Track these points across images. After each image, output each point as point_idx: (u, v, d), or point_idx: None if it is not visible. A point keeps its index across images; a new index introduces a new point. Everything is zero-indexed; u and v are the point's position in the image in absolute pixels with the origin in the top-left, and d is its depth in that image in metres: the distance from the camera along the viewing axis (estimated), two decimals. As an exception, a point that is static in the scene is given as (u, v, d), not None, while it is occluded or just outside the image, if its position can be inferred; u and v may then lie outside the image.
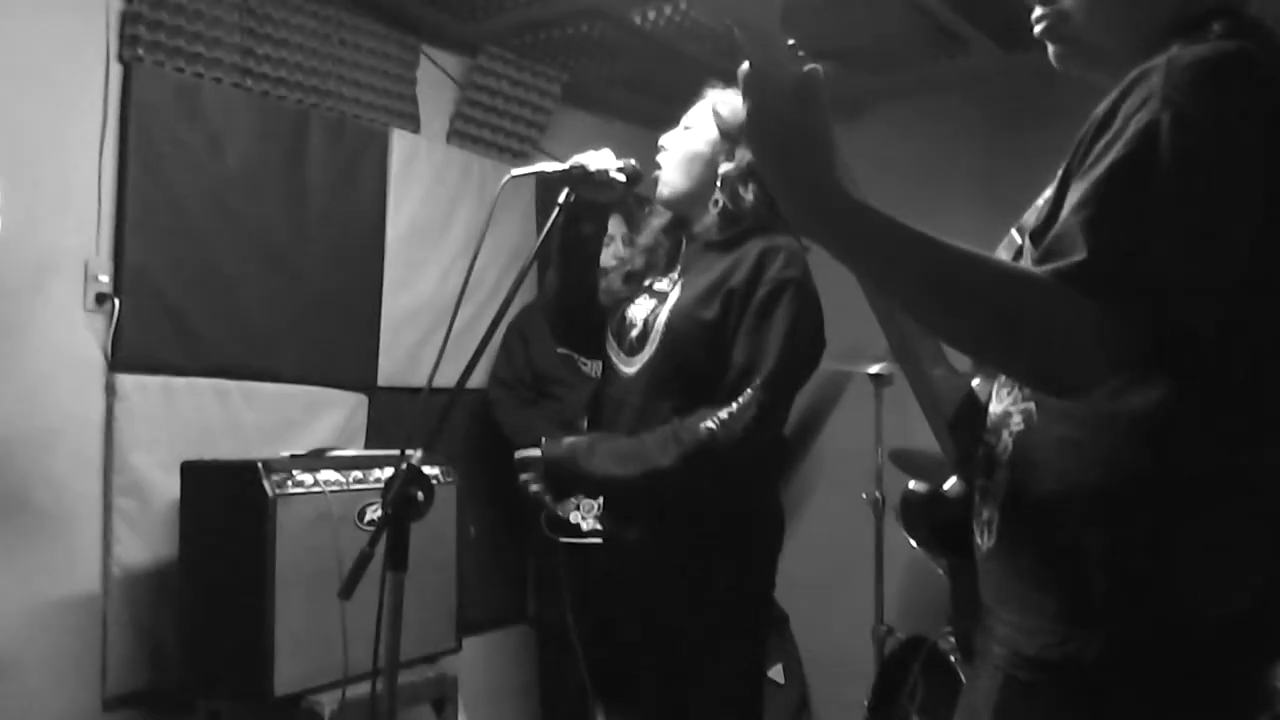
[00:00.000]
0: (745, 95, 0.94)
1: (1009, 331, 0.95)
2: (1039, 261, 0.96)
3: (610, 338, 2.22)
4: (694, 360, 2.04)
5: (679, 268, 2.19)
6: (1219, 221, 0.94)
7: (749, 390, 1.95)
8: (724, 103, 2.17)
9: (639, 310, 2.18)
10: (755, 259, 2.03)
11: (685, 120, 2.20)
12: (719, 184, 2.11)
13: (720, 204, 2.11)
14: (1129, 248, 0.92)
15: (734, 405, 1.95)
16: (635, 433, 2.08)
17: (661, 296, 2.15)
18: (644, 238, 2.29)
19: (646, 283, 2.23)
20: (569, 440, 2.09)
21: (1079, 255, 0.93)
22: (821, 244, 0.98)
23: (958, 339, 1.01)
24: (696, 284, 2.08)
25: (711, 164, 2.13)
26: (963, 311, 0.96)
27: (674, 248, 2.24)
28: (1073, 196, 0.97)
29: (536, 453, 2.11)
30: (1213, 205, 0.94)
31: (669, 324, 2.08)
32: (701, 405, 2.00)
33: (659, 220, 2.28)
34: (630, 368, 2.15)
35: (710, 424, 1.94)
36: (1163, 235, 0.92)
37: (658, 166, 2.21)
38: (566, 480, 2.07)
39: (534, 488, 2.13)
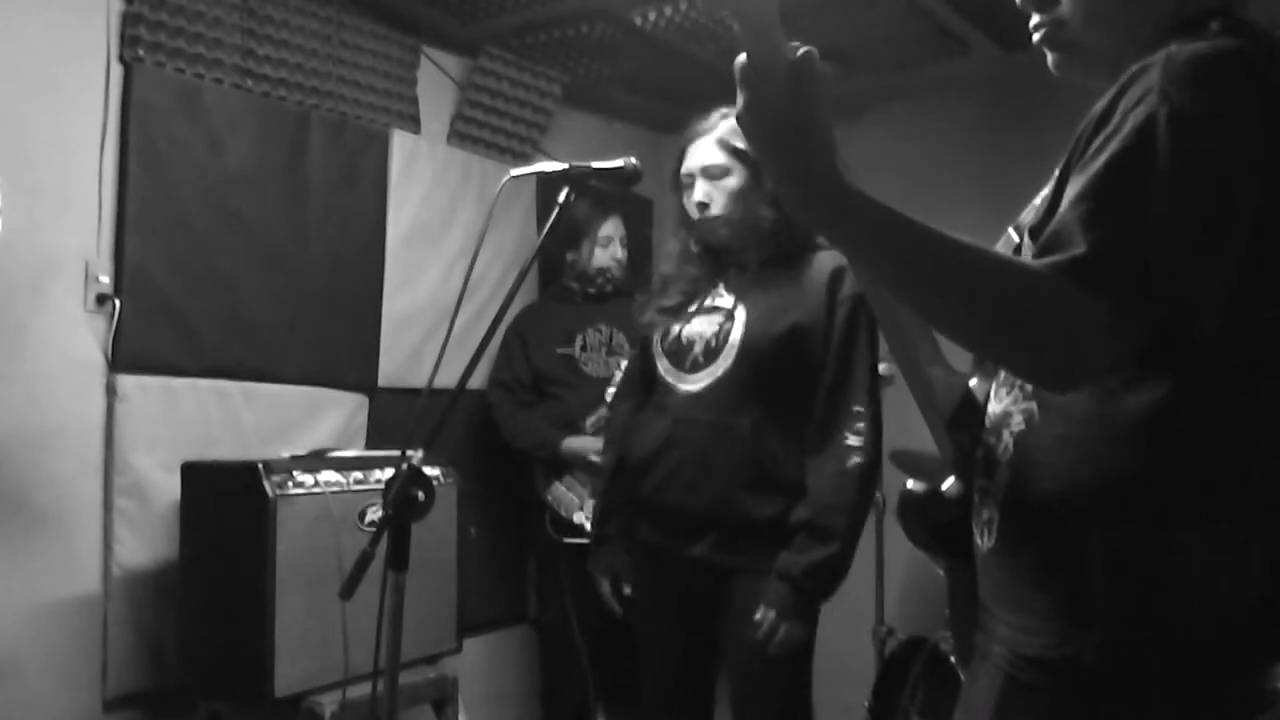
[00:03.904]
0: (740, 86, 0.94)
1: (1006, 324, 0.95)
2: (1037, 256, 0.96)
3: (663, 358, 2.27)
4: (774, 370, 2.14)
5: (730, 286, 2.25)
6: (1216, 217, 0.94)
7: (857, 407, 2.12)
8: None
9: (698, 328, 2.23)
10: (828, 278, 2.17)
11: (721, 159, 2.24)
12: (770, 214, 2.19)
13: (775, 232, 2.20)
14: (1127, 242, 0.92)
15: (858, 431, 2.12)
16: (710, 447, 2.14)
17: (724, 315, 2.21)
18: (685, 269, 2.33)
19: (686, 304, 2.28)
20: None
21: (1077, 249, 0.93)
22: (820, 231, 0.98)
23: (955, 330, 1.00)
24: (761, 300, 2.18)
25: (755, 196, 2.21)
26: (960, 303, 0.96)
27: (708, 269, 2.30)
28: (1071, 191, 0.97)
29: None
30: (1210, 201, 0.93)
31: (746, 339, 2.16)
32: (775, 415, 2.13)
33: (695, 248, 2.32)
34: (694, 384, 2.20)
35: (856, 457, 2.11)
36: (1160, 231, 0.92)
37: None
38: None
39: None
